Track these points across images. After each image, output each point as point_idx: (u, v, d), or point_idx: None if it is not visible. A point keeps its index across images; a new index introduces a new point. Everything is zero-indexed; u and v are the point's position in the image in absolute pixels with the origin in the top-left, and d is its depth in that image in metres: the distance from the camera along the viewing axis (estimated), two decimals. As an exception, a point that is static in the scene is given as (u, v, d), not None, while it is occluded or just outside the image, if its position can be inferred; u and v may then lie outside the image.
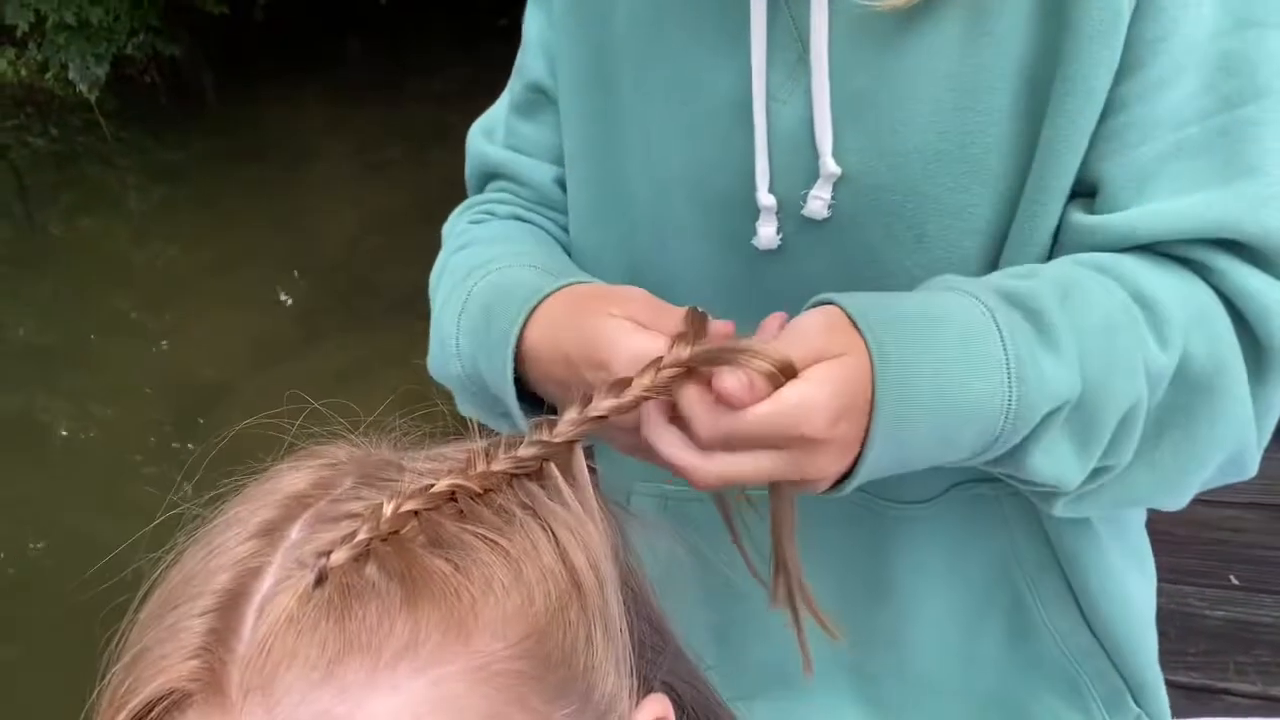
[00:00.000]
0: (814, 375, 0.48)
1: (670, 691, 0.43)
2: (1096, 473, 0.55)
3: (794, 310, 0.54)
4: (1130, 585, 0.71)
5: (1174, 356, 0.54)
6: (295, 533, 0.36)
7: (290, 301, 4.37)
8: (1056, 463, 0.53)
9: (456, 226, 0.78)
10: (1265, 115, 0.55)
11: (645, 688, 0.40)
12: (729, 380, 0.46)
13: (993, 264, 0.60)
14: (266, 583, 0.35)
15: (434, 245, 0.76)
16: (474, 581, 0.35)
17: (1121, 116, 0.56)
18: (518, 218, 0.77)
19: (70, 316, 4.48)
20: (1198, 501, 0.64)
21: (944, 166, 0.58)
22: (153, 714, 0.34)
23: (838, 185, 0.61)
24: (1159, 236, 0.57)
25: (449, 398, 0.66)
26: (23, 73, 6.89)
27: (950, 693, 0.74)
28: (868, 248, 0.61)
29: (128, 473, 3.38)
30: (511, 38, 0.80)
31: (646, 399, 0.46)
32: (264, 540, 0.36)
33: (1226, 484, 0.61)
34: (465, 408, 0.67)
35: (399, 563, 0.34)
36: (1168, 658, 0.75)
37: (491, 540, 0.36)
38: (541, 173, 0.76)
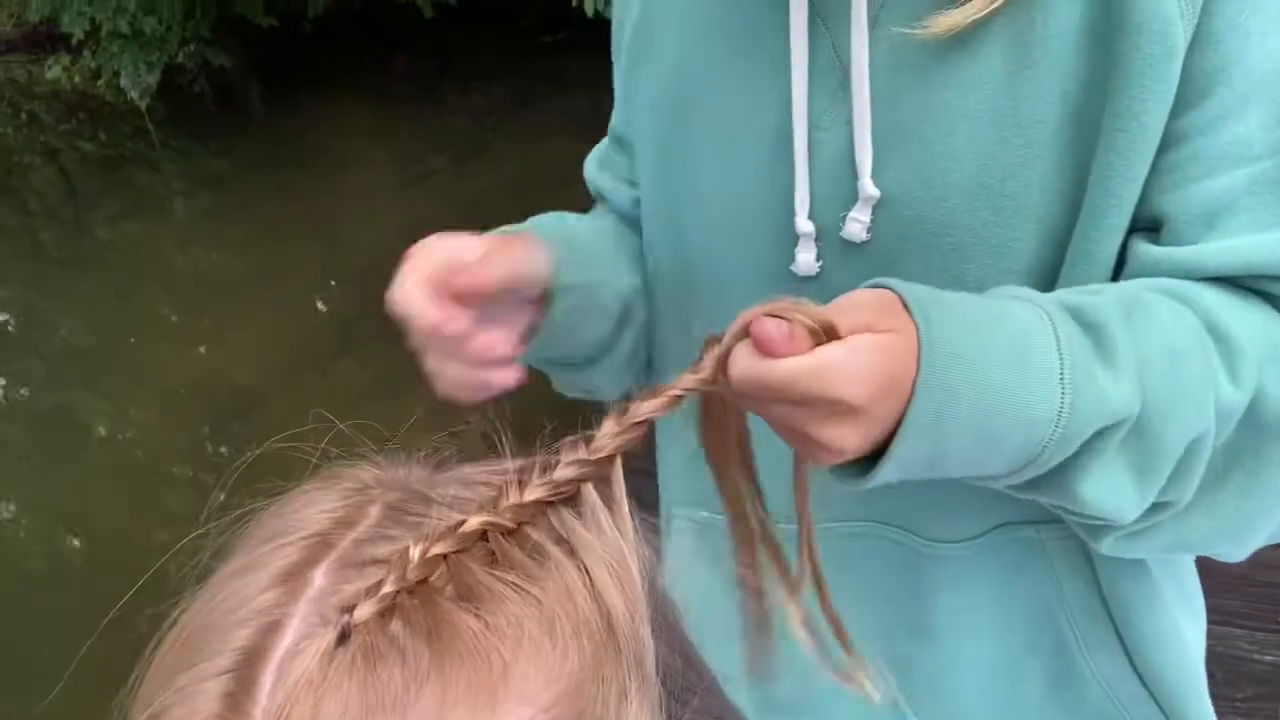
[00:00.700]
0: (858, 342, 0.46)
1: None
2: (1155, 509, 0.53)
3: None
4: (1181, 630, 0.69)
5: (1246, 393, 0.52)
6: (318, 580, 0.34)
7: (327, 309, 4.41)
8: (1113, 491, 0.51)
9: None
10: None
11: None
12: (768, 324, 0.44)
13: None
14: (287, 639, 0.33)
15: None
16: (505, 641, 0.33)
17: (1184, 149, 0.54)
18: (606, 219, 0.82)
19: (112, 318, 4.56)
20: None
21: (985, 200, 0.57)
22: None
23: (877, 210, 0.60)
24: (1232, 271, 0.55)
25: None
26: (76, 79, 7.05)
27: (990, 735, 0.72)
28: (907, 277, 0.59)
29: (163, 475, 3.42)
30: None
31: (679, 400, 0.44)
32: (284, 589, 0.34)
33: None
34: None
35: (426, 619, 0.32)
36: (1215, 702, 0.73)
37: (524, 590, 0.34)
38: (623, 195, 0.80)
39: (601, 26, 0.90)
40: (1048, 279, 0.58)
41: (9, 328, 4.83)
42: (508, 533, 0.35)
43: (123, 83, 6.33)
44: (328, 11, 6.65)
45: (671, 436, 0.78)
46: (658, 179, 0.72)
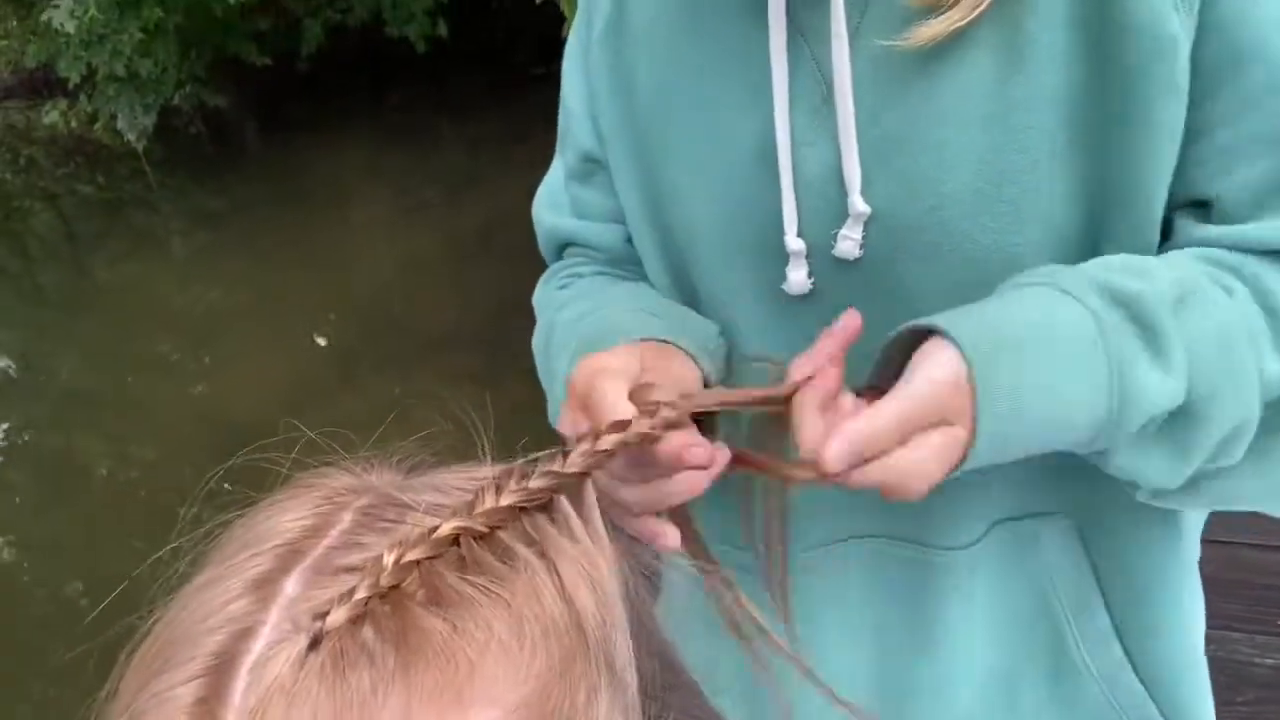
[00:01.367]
0: (929, 444, 0.49)
1: None
2: (1196, 476, 0.54)
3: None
4: (1182, 624, 0.69)
5: None
6: (290, 587, 0.34)
7: (326, 343, 4.42)
8: (1145, 466, 0.53)
9: (546, 293, 0.78)
10: None
11: None
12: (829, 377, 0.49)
13: None
14: (259, 645, 0.33)
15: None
16: (472, 644, 0.33)
17: (1212, 141, 0.55)
18: (602, 274, 0.77)
19: (114, 358, 4.58)
20: (1245, 546, 0.62)
21: (983, 207, 0.57)
22: None
23: (868, 225, 0.60)
24: None
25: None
26: (73, 123, 7.12)
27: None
28: (904, 291, 0.60)
29: (166, 514, 3.40)
30: (546, 87, 0.81)
31: (654, 437, 0.46)
32: (256, 597, 0.34)
33: None
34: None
35: (395, 625, 0.33)
36: (1217, 707, 0.73)
37: (493, 593, 0.34)
38: (611, 235, 0.77)
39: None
40: None
41: (10, 371, 4.85)
42: (479, 537, 0.35)
43: (119, 125, 6.38)
44: (321, 49, 6.73)
45: None
46: (644, 207, 0.71)
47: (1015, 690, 0.70)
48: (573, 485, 0.38)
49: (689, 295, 0.71)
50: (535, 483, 0.37)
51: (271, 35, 6.87)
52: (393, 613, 0.33)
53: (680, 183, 0.67)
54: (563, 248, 0.81)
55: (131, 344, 4.66)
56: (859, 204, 0.59)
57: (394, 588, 0.33)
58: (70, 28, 5.39)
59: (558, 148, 0.80)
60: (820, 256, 0.62)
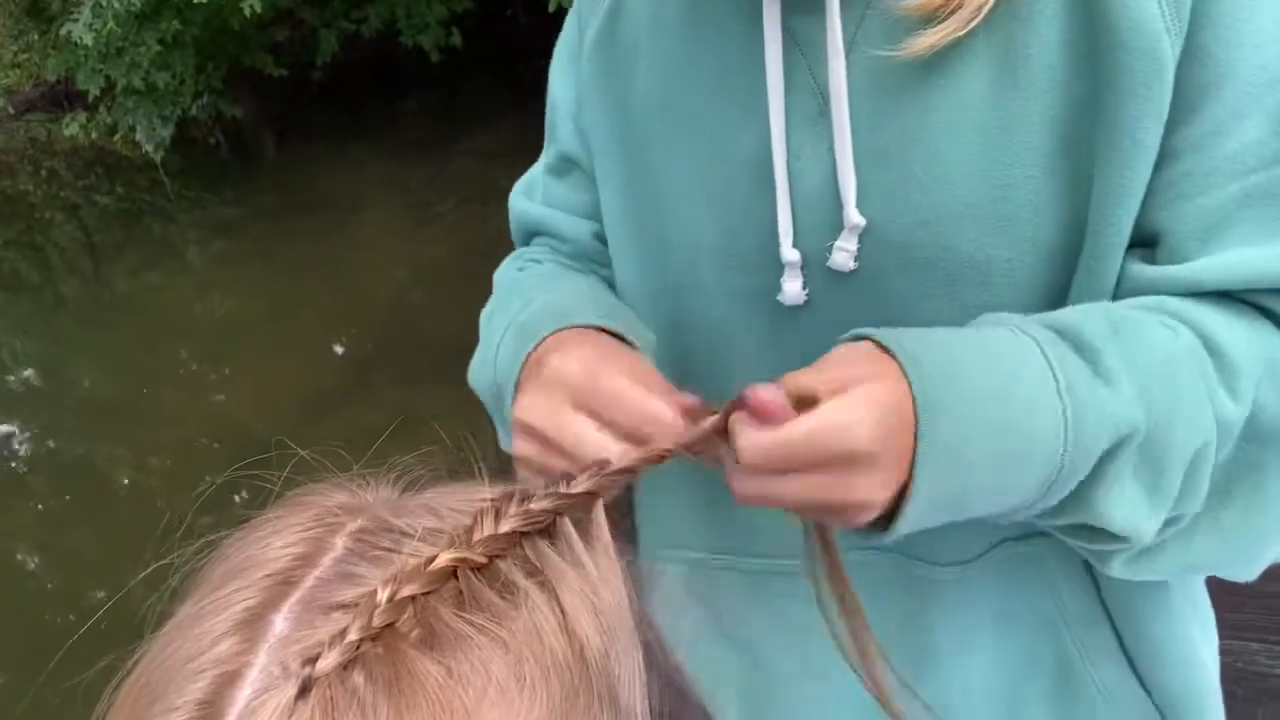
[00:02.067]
0: (853, 393, 0.47)
1: None
2: (1166, 524, 0.53)
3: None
4: (1190, 641, 0.68)
5: (1244, 408, 0.52)
6: (279, 625, 0.33)
7: (341, 351, 4.45)
8: (1129, 507, 0.51)
9: (507, 274, 0.80)
10: None
11: None
12: (765, 391, 0.45)
13: None
14: (246, 692, 0.31)
15: (482, 298, 0.78)
16: (469, 689, 0.31)
17: (1178, 166, 0.54)
18: (561, 265, 0.79)
19: (133, 368, 4.61)
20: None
21: (976, 222, 0.57)
22: None
23: (863, 237, 0.60)
24: (1227, 286, 0.55)
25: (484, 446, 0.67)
26: (93, 135, 7.19)
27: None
28: (899, 303, 0.60)
29: (185, 525, 3.42)
30: None
31: (667, 455, 0.46)
32: (243, 636, 0.32)
33: None
34: (503, 438, 0.67)
35: (388, 670, 0.31)
36: (1236, 721, 0.72)
37: (491, 633, 0.32)
38: (578, 229, 0.78)
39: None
40: (1053, 299, 0.57)
41: (32, 380, 4.90)
42: (478, 568, 0.34)
43: (138, 137, 6.45)
44: (336, 60, 6.77)
45: (658, 485, 0.77)
46: (629, 217, 0.71)
47: (1018, 710, 0.70)
48: (579, 507, 0.37)
49: (667, 308, 0.70)
50: (537, 504, 0.36)
51: (287, 46, 6.92)
52: (385, 655, 0.31)
53: (675, 194, 0.67)
54: (531, 235, 0.83)
55: (151, 353, 4.70)
56: (854, 216, 0.59)
57: (388, 626, 0.32)
58: (89, 40, 5.43)
59: (545, 143, 0.82)
60: (815, 268, 0.62)
